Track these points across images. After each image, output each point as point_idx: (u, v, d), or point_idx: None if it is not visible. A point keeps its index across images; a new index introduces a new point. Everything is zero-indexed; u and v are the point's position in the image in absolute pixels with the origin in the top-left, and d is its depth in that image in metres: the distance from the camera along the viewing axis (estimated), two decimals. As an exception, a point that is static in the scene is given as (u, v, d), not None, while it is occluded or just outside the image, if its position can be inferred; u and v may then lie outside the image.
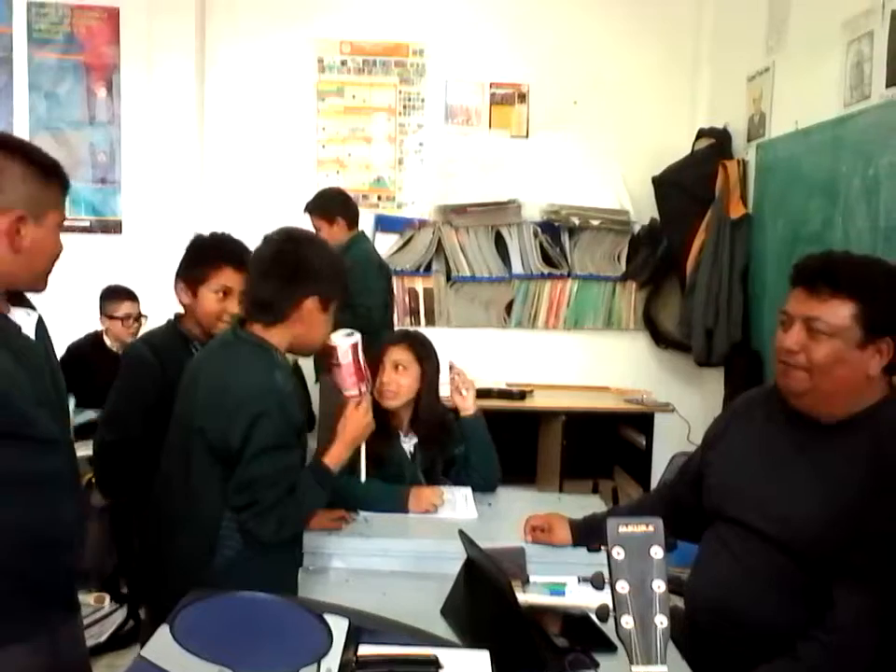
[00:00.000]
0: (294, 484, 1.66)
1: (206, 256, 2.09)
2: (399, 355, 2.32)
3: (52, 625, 1.50)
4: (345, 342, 1.77)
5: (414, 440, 2.36)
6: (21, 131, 4.12)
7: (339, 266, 1.79)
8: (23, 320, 1.52)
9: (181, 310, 2.15)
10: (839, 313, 1.44)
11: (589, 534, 1.88)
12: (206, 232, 2.18)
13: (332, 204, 3.80)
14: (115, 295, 3.54)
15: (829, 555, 1.43)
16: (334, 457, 1.74)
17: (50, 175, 1.48)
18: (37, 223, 1.45)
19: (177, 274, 2.13)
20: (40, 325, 1.57)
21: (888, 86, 2.78)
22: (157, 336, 2.22)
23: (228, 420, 1.63)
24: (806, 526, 1.47)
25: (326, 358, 1.86)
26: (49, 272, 1.53)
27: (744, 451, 1.64)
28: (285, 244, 1.74)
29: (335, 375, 1.83)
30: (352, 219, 3.83)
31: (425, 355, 2.36)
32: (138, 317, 3.53)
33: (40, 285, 1.53)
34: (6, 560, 1.42)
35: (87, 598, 1.69)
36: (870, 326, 1.44)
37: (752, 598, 1.52)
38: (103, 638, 2.85)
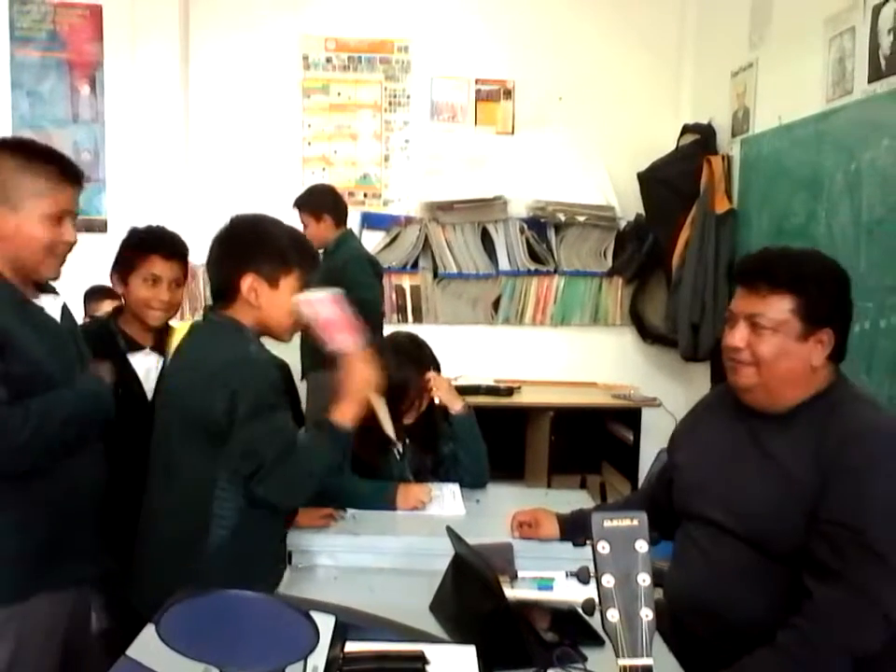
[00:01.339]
0: (293, 443, 1.62)
1: (135, 245, 2.16)
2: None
3: (83, 577, 1.68)
4: (324, 296, 1.68)
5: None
6: (4, 129, 4.08)
7: (281, 240, 1.72)
8: (49, 304, 1.66)
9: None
10: (778, 308, 1.50)
11: (576, 528, 1.89)
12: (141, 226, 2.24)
13: (321, 201, 3.80)
14: (96, 295, 3.52)
15: (789, 544, 1.47)
16: (343, 414, 1.66)
17: (33, 161, 1.56)
18: (13, 211, 1.55)
19: (111, 268, 2.19)
20: (65, 309, 1.71)
21: (870, 81, 2.80)
22: (85, 330, 2.33)
23: (206, 392, 1.61)
24: (764, 518, 1.50)
25: (310, 330, 1.74)
26: (40, 260, 1.61)
27: (707, 449, 1.68)
28: (224, 228, 1.76)
29: (324, 337, 1.71)
30: (340, 217, 3.82)
31: (439, 369, 2.39)
32: None
33: (41, 272, 1.63)
34: (40, 517, 1.57)
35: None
36: (808, 318, 1.49)
37: (723, 594, 1.55)
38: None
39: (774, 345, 1.50)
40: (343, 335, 1.68)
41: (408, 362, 2.31)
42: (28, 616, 1.56)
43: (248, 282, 1.68)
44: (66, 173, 1.62)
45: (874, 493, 1.41)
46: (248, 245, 1.71)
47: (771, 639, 1.42)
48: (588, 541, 0.99)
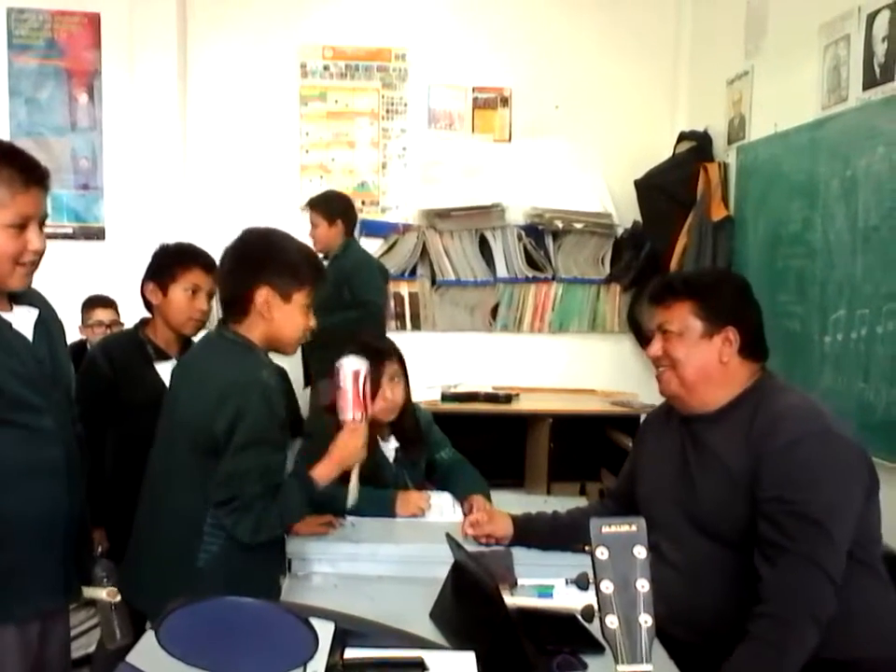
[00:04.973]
0: (277, 486, 1.65)
1: (176, 257, 2.22)
2: (392, 368, 2.30)
3: (43, 609, 1.57)
4: (348, 366, 1.75)
5: (395, 444, 2.35)
6: (2, 137, 4.09)
7: (294, 256, 1.75)
8: (23, 317, 1.57)
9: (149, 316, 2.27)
10: (680, 313, 1.67)
11: (526, 529, 1.96)
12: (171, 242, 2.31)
13: (339, 207, 3.87)
14: (89, 304, 3.52)
15: (743, 534, 1.55)
16: (322, 475, 1.72)
17: None
18: None
19: (145, 278, 2.23)
20: (40, 321, 1.60)
21: (864, 89, 2.81)
22: (113, 340, 2.43)
23: (212, 411, 1.62)
24: (716, 513, 1.60)
25: (329, 376, 1.83)
26: (6, 272, 1.50)
27: (658, 459, 1.77)
28: (237, 240, 1.78)
29: (336, 396, 1.80)
30: (350, 226, 3.91)
31: (405, 362, 2.36)
32: (111, 325, 3.48)
33: (8, 284, 1.52)
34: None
35: (99, 592, 1.66)
36: (708, 318, 1.65)
37: (695, 596, 1.60)
38: (91, 649, 2.81)
39: (682, 346, 1.66)
40: (349, 406, 1.75)
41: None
42: None
43: (263, 295, 1.70)
44: (27, 175, 1.46)
45: (800, 464, 1.51)
46: (263, 258, 1.73)
47: (745, 632, 1.46)
48: (587, 547, 0.99)
